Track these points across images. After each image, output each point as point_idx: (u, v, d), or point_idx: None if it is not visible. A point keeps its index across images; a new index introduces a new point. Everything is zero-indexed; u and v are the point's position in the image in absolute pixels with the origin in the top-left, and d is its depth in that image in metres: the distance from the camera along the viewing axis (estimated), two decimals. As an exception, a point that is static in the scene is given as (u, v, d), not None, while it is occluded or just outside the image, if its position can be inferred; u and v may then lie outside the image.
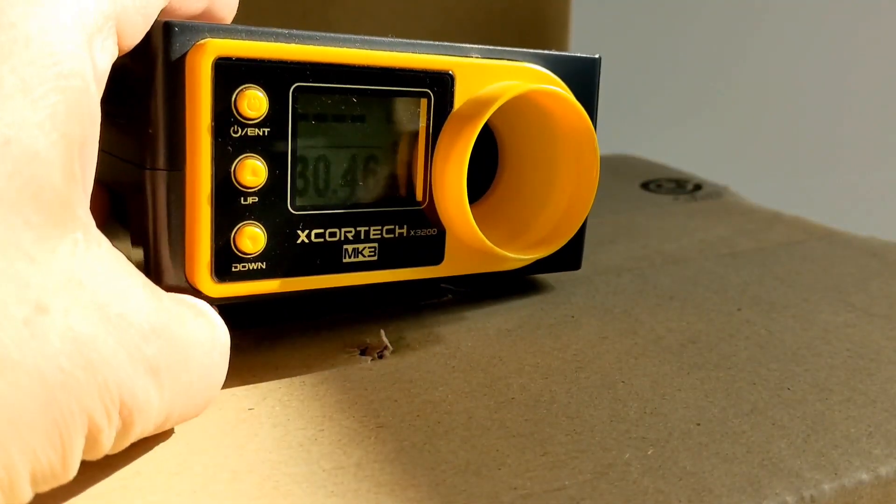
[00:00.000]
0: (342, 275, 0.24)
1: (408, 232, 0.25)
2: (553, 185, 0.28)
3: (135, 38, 0.19)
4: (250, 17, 0.45)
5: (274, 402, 0.22)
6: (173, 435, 0.21)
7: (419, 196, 0.25)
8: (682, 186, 0.47)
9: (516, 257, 0.27)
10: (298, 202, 0.23)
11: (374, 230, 0.25)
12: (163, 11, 0.20)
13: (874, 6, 0.80)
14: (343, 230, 0.24)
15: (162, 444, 0.20)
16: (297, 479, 0.19)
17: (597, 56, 0.28)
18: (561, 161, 0.28)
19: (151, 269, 0.22)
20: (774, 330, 0.27)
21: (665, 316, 0.28)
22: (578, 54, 0.28)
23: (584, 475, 0.19)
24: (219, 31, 0.21)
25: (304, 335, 0.26)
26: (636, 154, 0.56)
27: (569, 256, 0.29)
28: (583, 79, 0.28)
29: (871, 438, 0.21)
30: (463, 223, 0.25)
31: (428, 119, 0.25)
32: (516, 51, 0.26)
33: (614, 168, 0.52)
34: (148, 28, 0.19)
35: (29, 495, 0.15)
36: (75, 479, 0.17)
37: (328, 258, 0.24)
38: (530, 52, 0.27)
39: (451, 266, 0.27)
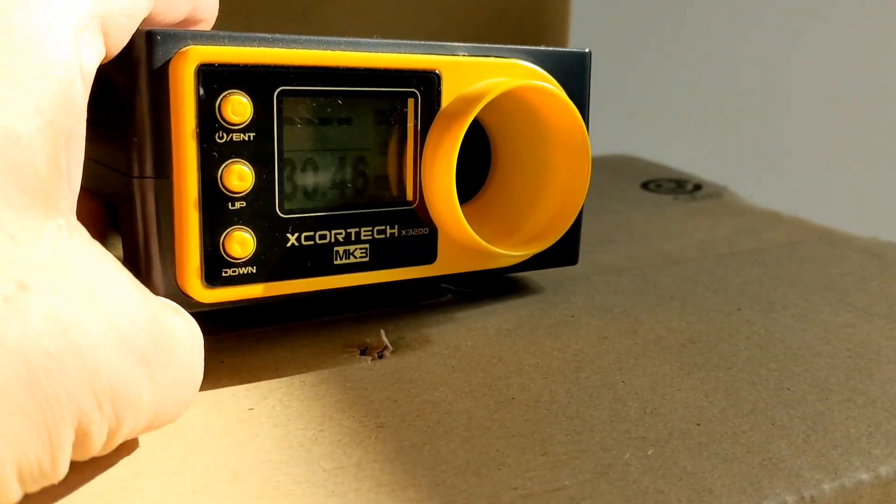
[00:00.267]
0: (334, 276, 0.24)
1: (399, 232, 0.25)
2: (545, 182, 0.28)
3: (120, 40, 0.19)
4: (251, 16, 0.45)
5: (274, 402, 0.22)
6: (173, 435, 0.20)
7: (409, 196, 0.25)
8: (681, 186, 0.47)
9: (509, 254, 0.27)
10: (287, 205, 0.23)
11: (364, 231, 0.25)
12: (146, 19, 0.21)
13: (874, 6, 0.80)
14: (333, 232, 0.24)
15: (162, 444, 0.20)
16: (297, 479, 0.19)
17: (587, 50, 0.28)
18: (552, 157, 0.28)
19: (142, 275, 0.22)
20: (774, 330, 0.27)
21: (665, 316, 0.28)
22: (568, 49, 0.28)
23: (584, 475, 0.19)
24: (201, 37, 0.21)
25: (304, 335, 0.26)
26: (636, 154, 0.56)
27: (565, 252, 0.29)
28: (574, 74, 0.28)
29: (871, 438, 0.21)
30: (454, 221, 0.25)
31: (416, 118, 0.25)
32: (504, 47, 0.26)
33: (614, 168, 0.52)
34: (133, 31, 0.19)
35: (17, 493, 0.15)
36: (75, 479, 0.17)
37: (319, 260, 0.24)
38: (519, 49, 0.27)
39: (444, 265, 0.27)
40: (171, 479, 0.19)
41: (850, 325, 0.28)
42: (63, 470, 0.15)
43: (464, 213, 0.27)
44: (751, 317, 0.28)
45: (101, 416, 0.16)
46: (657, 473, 0.19)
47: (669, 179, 0.49)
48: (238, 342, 0.26)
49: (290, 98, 0.23)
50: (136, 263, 0.22)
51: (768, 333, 0.27)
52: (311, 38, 0.23)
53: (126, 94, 0.21)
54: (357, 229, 0.25)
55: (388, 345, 0.26)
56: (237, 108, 0.21)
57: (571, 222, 0.28)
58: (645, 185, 0.48)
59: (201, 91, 0.21)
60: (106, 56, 0.19)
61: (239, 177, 0.22)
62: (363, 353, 0.25)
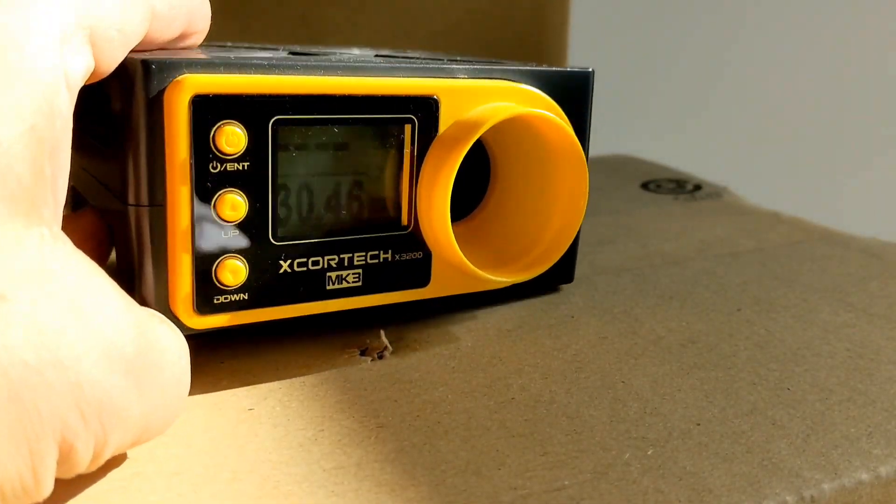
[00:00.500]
0: (326, 301, 0.24)
1: (393, 256, 0.25)
2: (543, 205, 0.28)
3: (112, 55, 0.19)
4: (251, 17, 0.45)
5: (274, 402, 0.22)
6: (174, 435, 0.21)
7: (404, 220, 0.25)
8: (682, 186, 0.47)
9: (503, 280, 0.26)
10: (280, 232, 0.23)
11: (357, 256, 0.25)
12: (144, 41, 0.20)
13: (874, 5, 0.80)
14: (326, 258, 0.24)
15: (162, 445, 0.20)
16: (297, 480, 0.19)
17: (590, 70, 0.28)
18: (551, 180, 0.27)
19: (135, 298, 0.22)
20: (774, 330, 0.27)
21: (665, 316, 0.28)
22: (571, 69, 0.27)
23: (584, 475, 0.19)
24: (196, 65, 0.21)
25: (304, 335, 0.26)
26: (636, 154, 0.56)
27: (561, 271, 0.29)
28: (575, 94, 0.27)
29: (871, 438, 0.21)
30: (448, 248, 0.25)
31: (412, 144, 0.24)
32: (505, 69, 0.26)
33: (614, 168, 0.52)
34: (126, 50, 0.19)
35: None
36: (74, 479, 0.16)
37: (311, 286, 0.24)
38: (520, 70, 0.26)
39: (438, 287, 0.26)
40: (172, 479, 0.19)
41: (850, 325, 0.28)
42: (47, 487, 0.15)
43: (461, 231, 0.27)
44: (751, 317, 0.28)
45: (87, 430, 0.15)
46: (657, 473, 0.19)
47: (669, 179, 0.49)
48: (238, 343, 0.26)
49: (285, 127, 0.22)
50: (130, 285, 0.22)
51: (768, 333, 0.27)
52: (309, 62, 0.23)
53: (122, 121, 0.21)
54: (350, 255, 0.24)
55: (388, 345, 0.26)
56: (231, 138, 0.21)
57: (565, 250, 0.27)
58: (645, 185, 0.48)
59: (195, 121, 0.21)
60: (97, 71, 0.19)
61: (232, 207, 0.22)
62: (363, 353, 0.25)
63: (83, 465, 0.16)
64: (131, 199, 0.21)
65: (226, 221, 0.22)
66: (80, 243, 0.17)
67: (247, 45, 0.32)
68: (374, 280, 0.25)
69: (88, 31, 0.18)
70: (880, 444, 0.21)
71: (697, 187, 0.47)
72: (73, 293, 0.15)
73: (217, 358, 0.24)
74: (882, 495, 0.20)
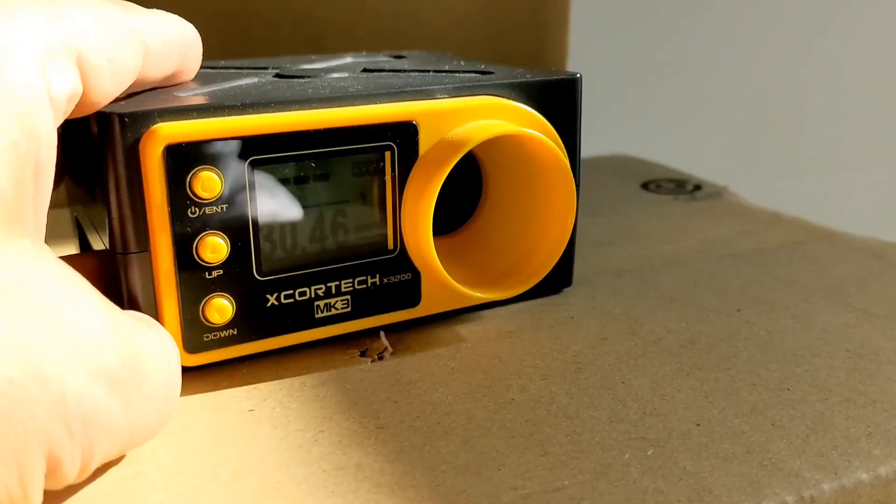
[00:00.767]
0: (316, 330, 0.25)
1: (381, 280, 0.25)
2: (531, 220, 0.27)
3: (102, 84, 0.19)
4: (252, 16, 0.45)
5: (274, 403, 0.22)
6: (174, 436, 0.21)
7: (390, 244, 0.25)
8: (682, 186, 0.47)
9: (491, 297, 0.26)
10: (265, 267, 0.23)
11: (345, 283, 0.25)
12: (139, 80, 0.21)
13: (873, 5, 0.80)
14: (313, 287, 0.24)
15: (163, 445, 0.20)
16: (297, 480, 0.19)
17: (577, 75, 0.27)
18: (539, 196, 0.27)
19: None
20: (774, 330, 0.27)
21: (665, 317, 0.28)
22: (557, 76, 0.27)
23: (583, 475, 0.19)
24: (168, 114, 0.21)
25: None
26: (636, 154, 0.56)
27: (559, 277, 0.29)
28: (563, 100, 0.27)
29: (871, 438, 0.21)
30: (435, 270, 0.24)
31: (393, 170, 0.24)
32: (487, 82, 0.26)
33: (614, 168, 0.52)
34: (118, 83, 0.20)
35: None
36: (72, 484, 0.16)
37: (300, 317, 0.24)
38: (503, 84, 0.26)
39: (429, 306, 0.26)
40: (172, 480, 0.19)
41: (850, 326, 0.28)
42: (36, 500, 0.15)
43: (452, 244, 0.27)
44: (751, 317, 0.28)
45: (73, 442, 0.15)
46: (657, 473, 0.19)
47: (669, 179, 0.49)
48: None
49: (262, 166, 0.22)
50: None
51: (768, 334, 0.27)
52: (283, 98, 0.22)
53: (103, 172, 0.21)
54: (338, 282, 0.24)
55: (388, 346, 0.26)
56: (207, 184, 0.21)
57: (552, 266, 0.27)
58: (645, 186, 0.48)
59: (170, 170, 0.21)
60: (87, 99, 0.19)
61: (213, 249, 0.22)
62: (363, 354, 0.25)
63: (71, 476, 0.16)
64: (118, 248, 0.21)
65: (208, 263, 0.22)
66: None
67: (237, 64, 0.32)
68: (363, 305, 0.25)
69: (75, 53, 0.18)
70: (880, 444, 0.21)
71: (697, 187, 0.47)
72: (55, 306, 0.15)
73: (217, 359, 0.24)
74: (882, 495, 0.20)
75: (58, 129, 0.18)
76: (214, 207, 0.22)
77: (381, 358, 0.25)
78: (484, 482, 0.19)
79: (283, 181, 0.23)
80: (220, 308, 0.23)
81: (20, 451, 0.14)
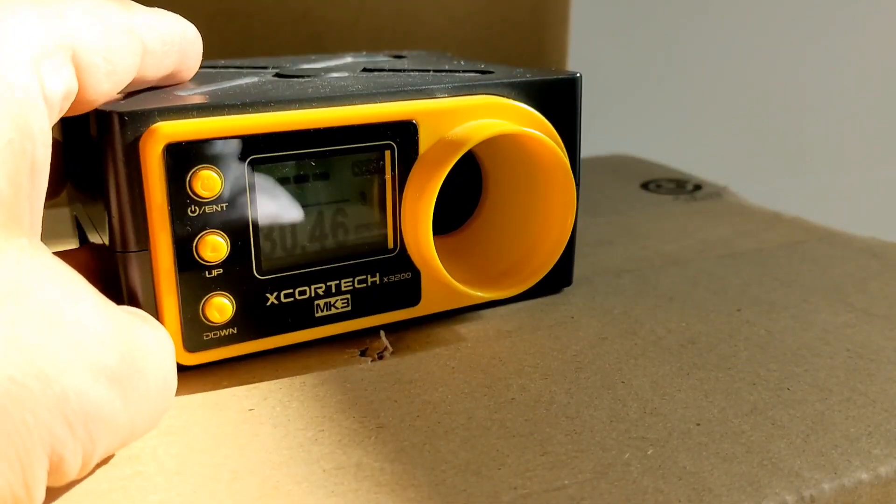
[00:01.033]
0: (316, 329, 0.25)
1: (381, 279, 0.25)
2: (531, 219, 0.27)
3: (98, 83, 0.19)
4: (252, 16, 0.45)
5: (274, 402, 0.22)
6: (174, 435, 0.21)
7: (390, 243, 0.25)
8: (681, 186, 0.47)
9: (491, 297, 0.26)
10: (265, 266, 0.23)
11: (345, 282, 0.25)
12: (137, 79, 0.21)
13: (873, 5, 0.80)
14: (313, 287, 0.24)
15: (163, 444, 0.20)
16: (297, 480, 0.19)
17: (577, 75, 0.27)
18: (538, 195, 0.27)
19: None
20: (774, 330, 0.27)
21: (665, 317, 0.28)
22: (557, 75, 0.27)
23: (583, 475, 0.19)
24: (168, 112, 0.21)
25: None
26: (636, 154, 0.56)
27: (559, 276, 0.29)
28: (563, 100, 0.27)
29: (871, 438, 0.21)
30: (435, 269, 0.24)
31: (393, 169, 0.24)
32: (488, 82, 0.26)
33: (614, 168, 0.52)
34: (115, 82, 0.19)
35: None
36: (74, 480, 0.16)
37: (300, 315, 0.24)
38: (503, 83, 0.26)
39: (429, 305, 0.26)
40: (172, 479, 0.19)
41: (850, 326, 0.28)
42: (39, 497, 0.15)
43: (453, 243, 0.27)
44: (751, 317, 0.28)
45: (75, 439, 0.15)
46: (657, 473, 0.19)
47: (669, 179, 0.49)
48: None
49: (261, 165, 0.22)
50: None
51: (768, 334, 0.27)
52: (283, 97, 0.22)
53: (103, 171, 0.21)
54: (338, 281, 0.24)
55: (388, 346, 0.26)
56: (207, 182, 0.21)
57: (552, 266, 0.27)
58: (645, 186, 0.48)
59: (170, 169, 0.21)
60: (83, 98, 0.19)
61: (213, 248, 0.22)
62: (363, 353, 0.25)
63: (73, 473, 0.16)
64: (118, 247, 0.21)
65: (208, 262, 0.22)
66: None
67: (237, 63, 0.32)
68: (363, 304, 0.25)
69: (70, 51, 0.18)
70: (880, 444, 0.21)
71: (697, 187, 0.47)
72: (54, 305, 0.16)
73: (217, 358, 0.24)
74: (882, 495, 0.20)
75: (60, 135, 0.18)
76: (214, 206, 0.22)
77: (381, 357, 0.25)
78: (484, 481, 0.19)
79: (283, 180, 0.23)
80: (220, 307, 0.23)
81: (23, 450, 0.14)
